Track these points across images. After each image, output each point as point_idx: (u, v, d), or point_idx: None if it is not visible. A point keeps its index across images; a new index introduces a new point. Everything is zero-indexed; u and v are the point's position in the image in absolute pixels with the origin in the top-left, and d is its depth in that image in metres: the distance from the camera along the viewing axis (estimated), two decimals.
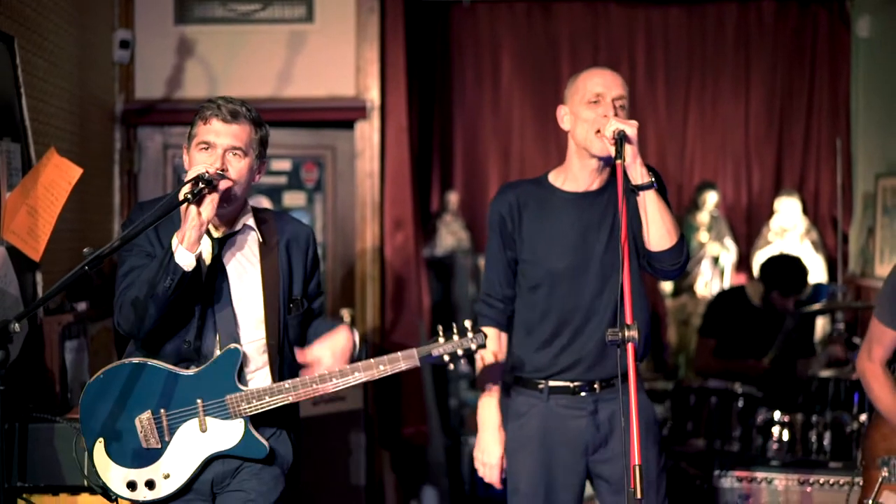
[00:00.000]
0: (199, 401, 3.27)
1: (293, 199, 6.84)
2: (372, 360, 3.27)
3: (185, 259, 3.13)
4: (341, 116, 6.78)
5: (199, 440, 3.28)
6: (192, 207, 3.08)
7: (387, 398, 6.73)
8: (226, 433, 3.27)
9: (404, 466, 6.87)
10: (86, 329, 5.12)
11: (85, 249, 2.96)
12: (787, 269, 6.33)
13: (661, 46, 9.23)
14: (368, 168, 6.77)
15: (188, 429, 3.28)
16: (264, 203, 6.47)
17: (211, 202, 3.13)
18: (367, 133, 6.76)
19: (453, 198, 8.86)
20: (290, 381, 3.27)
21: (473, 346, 3.31)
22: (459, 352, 3.30)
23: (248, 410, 3.25)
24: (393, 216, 6.84)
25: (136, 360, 3.33)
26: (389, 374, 3.28)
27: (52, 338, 4.72)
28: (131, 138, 6.67)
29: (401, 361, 3.28)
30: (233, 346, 3.27)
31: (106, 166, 6.37)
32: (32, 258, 4.53)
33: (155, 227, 3.27)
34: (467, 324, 3.32)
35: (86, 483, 3.92)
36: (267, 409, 3.27)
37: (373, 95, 6.73)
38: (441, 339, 3.31)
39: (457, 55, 9.10)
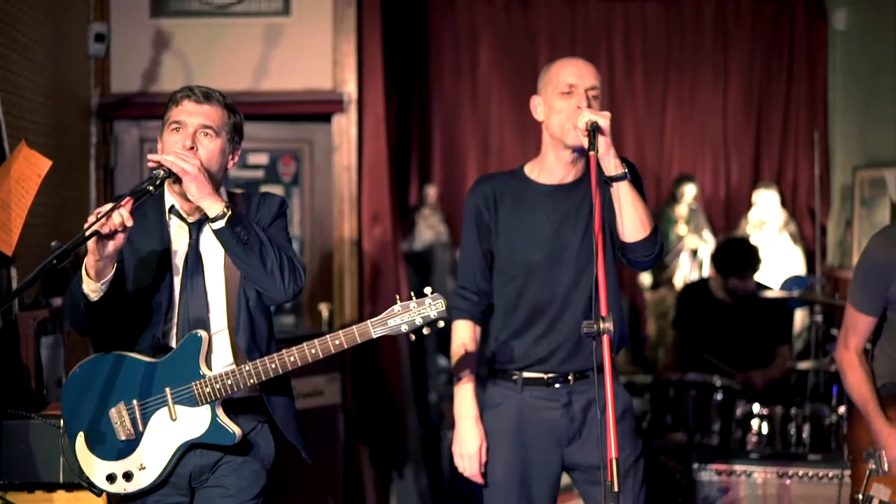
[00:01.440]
0: (167, 389, 3.25)
1: (272, 192, 6.80)
2: (328, 335, 3.21)
3: (88, 287, 3.11)
4: (318, 110, 6.75)
5: (170, 429, 3.26)
6: (92, 243, 3.01)
7: (365, 392, 6.71)
8: (194, 421, 3.25)
9: (383, 461, 6.85)
10: (61, 325, 5.07)
11: (53, 243, 2.93)
12: (735, 250, 6.40)
13: (638, 40, 9.23)
14: (346, 161, 6.75)
15: (159, 418, 3.26)
16: None
17: (114, 242, 3.04)
18: (345, 126, 6.74)
19: (432, 191, 8.85)
20: (250, 363, 3.23)
21: (433, 314, 3.16)
22: (418, 320, 3.16)
23: (212, 395, 3.22)
24: (370, 210, 6.82)
25: (110, 352, 3.31)
26: (346, 347, 3.18)
27: (28, 333, 4.68)
28: (107, 132, 6.63)
29: (355, 334, 3.18)
30: (195, 331, 3.25)
31: (82, 161, 6.33)
32: (5, 252, 4.49)
33: None
34: (427, 290, 3.19)
35: (62, 479, 3.90)
36: (232, 393, 3.24)
37: (350, 88, 6.71)
38: (398, 308, 3.18)
39: (435, 48, 9.09)
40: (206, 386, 3.22)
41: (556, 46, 8.99)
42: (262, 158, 6.81)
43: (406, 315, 3.17)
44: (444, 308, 3.17)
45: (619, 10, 9.18)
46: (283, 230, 3.44)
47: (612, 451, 2.91)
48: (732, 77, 9.20)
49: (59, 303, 5.04)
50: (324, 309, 6.40)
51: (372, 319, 3.19)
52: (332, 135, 6.76)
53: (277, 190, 6.80)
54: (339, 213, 6.73)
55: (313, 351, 3.20)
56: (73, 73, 6.16)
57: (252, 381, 3.22)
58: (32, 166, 4.39)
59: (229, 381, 3.22)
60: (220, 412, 3.25)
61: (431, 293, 3.19)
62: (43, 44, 5.48)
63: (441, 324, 3.20)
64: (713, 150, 9.24)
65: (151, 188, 3.11)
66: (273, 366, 3.22)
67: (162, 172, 3.13)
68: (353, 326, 3.19)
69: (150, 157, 3.16)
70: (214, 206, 3.15)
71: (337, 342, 3.19)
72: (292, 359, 3.21)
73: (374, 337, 3.18)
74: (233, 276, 3.33)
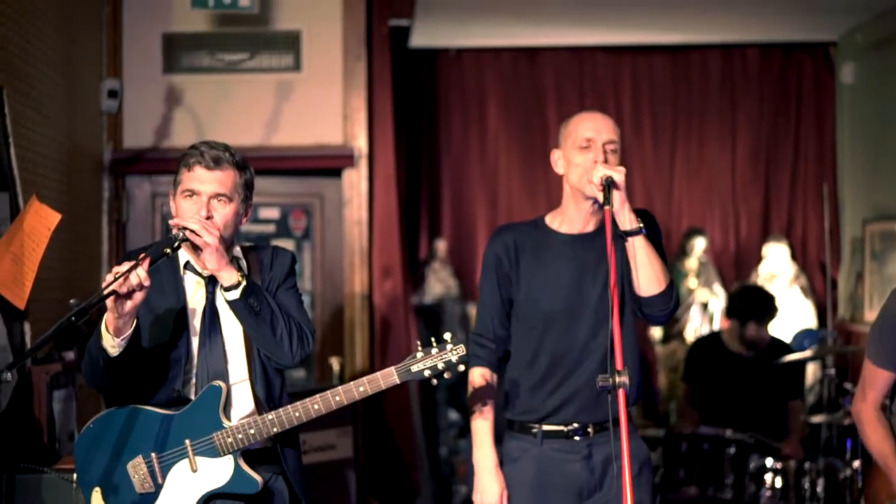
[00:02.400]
0: (186, 441, 3.24)
1: (283, 246, 6.82)
2: (351, 383, 3.23)
3: (108, 343, 3.13)
4: (329, 164, 6.79)
5: (191, 481, 3.25)
6: (111, 301, 3.03)
7: (376, 446, 6.69)
8: (216, 471, 3.24)
9: None
10: (74, 378, 5.08)
11: (71, 301, 2.95)
12: (753, 296, 6.38)
13: (646, 93, 9.29)
14: (356, 216, 6.77)
15: (179, 470, 3.25)
16: None
17: (133, 301, 3.07)
18: (355, 181, 6.77)
19: (441, 245, 8.86)
20: (273, 412, 3.23)
21: (454, 359, 3.22)
22: (440, 365, 3.22)
23: (234, 446, 3.22)
24: (381, 263, 6.84)
25: (125, 406, 3.30)
26: (370, 394, 3.21)
27: (41, 387, 4.68)
28: (119, 187, 6.67)
29: (380, 381, 3.21)
30: (215, 382, 3.25)
31: (94, 215, 6.36)
32: (18, 306, 4.50)
33: None
34: (446, 336, 3.24)
35: None
36: (254, 443, 3.23)
37: (360, 143, 6.75)
38: (420, 355, 3.24)
39: (443, 103, 9.15)
40: (229, 436, 3.22)
41: (563, 100, 9.05)
42: (274, 213, 6.83)
43: (428, 361, 3.22)
44: (464, 353, 3.23)
45: (627, 62, 9.24)
46: (294, 289, 3.48)
47: (629, 502, 2.90)
48: (740, 130, 9.24)
49: (71, 357, 5.05)
50: (335, 363, 6.39)
51: (395, 366, 3.23)
52: (343, 189, 6.79)
53: (289, 244, 6.82)
54: (349, 266, 6.75)
55: (337, 398, 3.21)
56: (86, 129, 6.20)
57: (275, 429, 3.22)
58: (42, 220, 4.41)
59: (252, 431, 3.22)
60: (241, 462, 3.24)
61: (451, 339, 3.23)
62: (57, 100, 5.53)
63: (462, 368, 3.26)
64: (722, 203, 9.26)
65: (169, 250, 3.13)
66: (297, 414, 3.22)
67: (181, 234, 3.15)
68: (377, 373, 3.23)
69: (172, 222, 3.20)
70: (230, 277, 3.21)
71: (361, 389, 3.21)
72: (316, 406, 3.22)
73: (398, 382, 3.21)
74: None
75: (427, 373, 3.23)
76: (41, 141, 5.22)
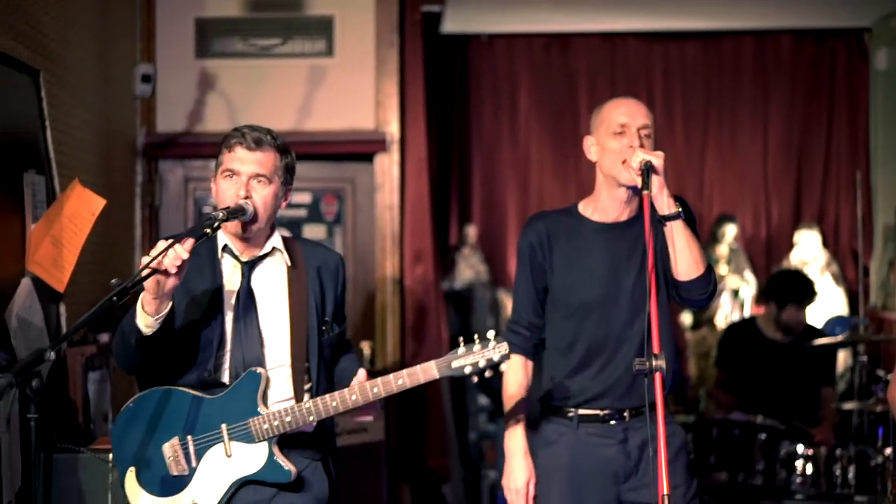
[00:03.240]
0: (223, 425, 3.26)
1: (313, 231, 6.85)
2: (390, 375, 3.22)
3: (143, 321, 3.13)
4: (361, 149, 6.81)
5: (225, 465, 3.26)
6: (150, 280, 3.04)
7: (408, 431, 6.72)
8: (250, 457, 3.25)
9: (424, 500, 6.84)
10: (108, 360, 5.12)
11: (112, 281, 2.96)
12: (793, 279, 6.36)
13: (678, 80, 9.26)
14: (388, 200, 6.79)
15: (214, 454, 3.27)
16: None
17: (172, 280, 3.06)
18: (387, 166, 6.79)
19: (472, 231, 8.87)
20: (310, 400, 3.24)
21: (496, 357, 3.17)
22: (482, 363, 3.16)
23: (270, 432, 3.23)
24: (412, 248, 6.86)
25: (164, 387, 3.32)
26: (408, 387, 3.20)
27: (76, 369, 4.73)
28: (153, 171, 6.71)
29: (419, 374, 3.19)
30: (254, 368, 3.26)
31: (128, 199, 6.40)
32: (57, 289, 4.54)
33: None
34: (489, 334, 3.20)
35: None
36: (290, 430, 3.24)
37: (392, 129, 6.76)
38: (461, 350, 3.19)
39: (475, 89, 9.14)
40: (265, 423, 3.22)
41: (595, 87, 9.03)
42: (305, 197, 6.85)
43: (470, 357, 3.17)
44: (507, 352, 3.18)
45: (659, 50, 9.21)
46: (344, 302, 3.54)
47: (664, 487, 2.91)
48: (773, 117, 9.20)
49: (106, 339, 5.09)
50: (366, 347, 6.41)
51: (436, 360, 3.19)
52: (375, 174, 6.81)
53: (320, 229, 6.84)
54: (381, 251, 6.77)
55: (375, 390, 3.20)
56: (120, 113, 6.24)
57: (311, 418, 3.22)
58: (86, 205, 4.44)
59: (288, 419, 3.22)
60: (276, 449, 3.25)
61: (495, 336, 3.20)
62: (92, 84, 5.56)
63: (504, 367, 3.26)
64: (753, 190, 9.22)
65: (209, 230, 3.14)
66: (334, 403, 3.21)
67: (220, 214, 3.17)
68: (417, 366, 3.20)
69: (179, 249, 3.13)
70: None
71: (400, 381, 3.19)
72: (353, 397, 3.21)
73: (437, 377, 3.19)
74: (299, 314, 3.35)
75: (468, 369, 3.19)
76: (76, 124, 5.25)
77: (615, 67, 9.21)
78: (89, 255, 4.98)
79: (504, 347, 3.18)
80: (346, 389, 3.21)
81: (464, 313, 8.22)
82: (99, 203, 4.48)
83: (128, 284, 2.97)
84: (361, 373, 3.30)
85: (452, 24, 8.28)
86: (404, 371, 3.21)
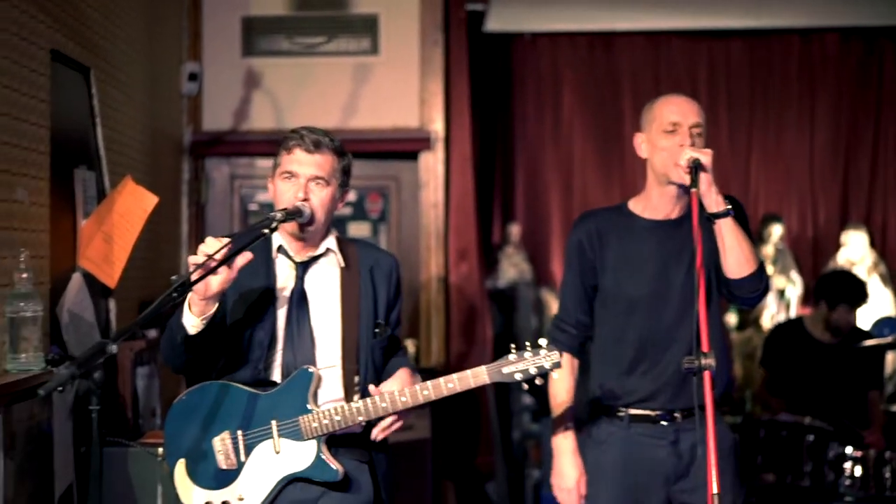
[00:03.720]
0: (273, 421, 3.27)
1: (358, 229, 6.88)
2: (441, 378, 3.23)
3: (189, 321, 3.14)
4: (405, 147, 6.82)
5: (273, 462, 3.27)
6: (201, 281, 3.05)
7: (452, 429, 6.71)
8: (299, 455, 3.26)
9: (468, 498, 6.84)
10: (156, 356, 5.16)
11: (173, 276, 2.99)
12: (846, 280, 6.31)
13: (723, 79, 9.20)
14: (432, 198, 6.80)
15: (263, 450, 3.28)
16: None
17: (220, 282, 3.07)
18: (432, 164, 6.80)
19: (515, 230, 8.85)
20: (360, 401, 3.25)
21: (548, 365, 3.17)
22: (533, 370, 3.17)
23: (319, 431, 3.24)
24: (457, 246, 6.86)
25: (217, 381, 3.34)
26: (458, 391, 3.21)
27: (125, 364, 4.76)
28: (199, 169, 6.75)
29: (470, 379, 3.20)
30: (307, 367, 3.27)
31: (174, 197, 6.44)
32: (108, 284, 4.58)
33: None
34: (542, 341, 3.21)
35: None
36: (339, 429, 3.25)
37: (437, 127, 6.77)
38: (513, 356, 3.20)
39: (518, 88, 9.12)
40: (314, 421, 3.23)
41: (639, 86, 8.99)
42: (350, 195, 6.85)
43: (521, 364, 3.19)
44: (558, 360, 3.18)
45: (703, 49, 9.16)
46: (399, 304, 3.53)
47: (714, 487, 2.89)
48: (819, 116, 9.12)
49: (154, 334, 5.13)
50: (410, 345, 6.42)
51: (487, 365, 3.21)
52: (419, 172, 6.82)
53: (364, 226, 6.87)
54: (425, 249, 6.78)
55: (426, 392, 3.21)
56: (167, 111, 6.29)
57: (361, 418, 3.23)
58: (138, 201, 4.48)
59: (338, 418, 3.22)
60: (324, 448, 3.25)
61: (546, 345, 3.20)
62: (140, 82, 5.61)
63: (555, 375, 3.27)
64: (800, 189, 9.15)
65: (266, 230, 3.15)
66: (384, 405, 3.22)
67: (278, 215, 3.18)
68: (468, 371, 3.21)
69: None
70: None
71: (450, 385, 3.21)
72: (403, 399, 3.22)
73: (488, 382, 3.20)
74: (350, 316, 3.36)
75: (518, 376, 3.19)
76: (126, 122, 5.30)
77: (659, 66, 9.16)
78: (136, 252, 5.01)
79: (555, 356, 3.19)
80: (397, 391, 3.22)
81: (507, 312, 8.21)
82: (151, 200, 4.51)
83: (188, 280, 2.98)
84: (401, 372, 3.32)
85: (496, 23, 8.28)
86: (455, 375, 3.22)
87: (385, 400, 3.22)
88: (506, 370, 3.19)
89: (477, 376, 3.20)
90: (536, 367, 3.18)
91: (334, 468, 3.25)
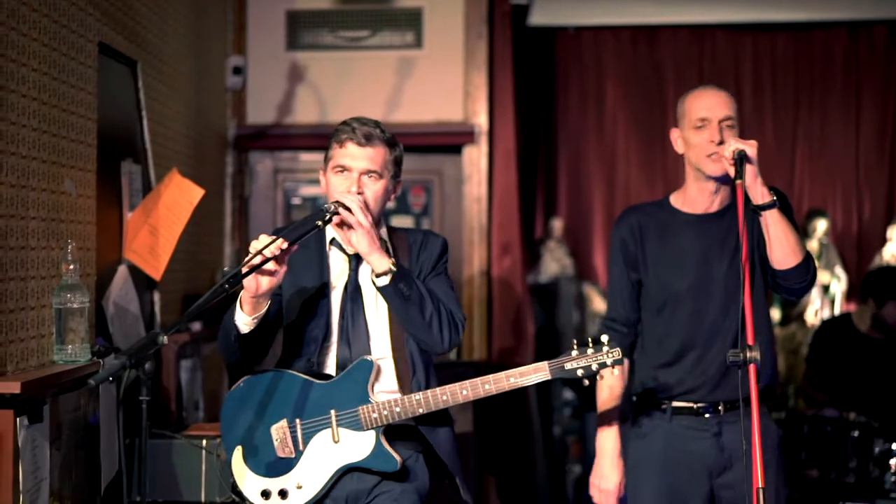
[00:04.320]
0: (332, 411, 3.28)
1: (400, 223, 6.87)
2: (502, 373, 3.23)
3: (241, 320, 3.18)
4: (449, 141, 6.83)
5: (331, 451, 3.28)
6: (250, 278, 3.07)
7: (494, 423, 6.71)
8: (357, 445, 3.27)
9: (509, 493, 6.84)
10: (199, 349, 5.20)
11: (224, 269, 3.01)
12: (894, 275, 6.26)
13: (768, 73, 9.12)
14: (476, 192, 6.79)
15: (321, 439, 3.29)
16: None
17: (271, 280, 3.11)
18: (475, 158, 6.79)
19: (557, 224, 8.82)
20: (420, 393, 3.26)
21: (609, 361, 3.21)
22: (594, 366, 3.20)
23: (378, 421, 3.25)
24: (500, 240, 6.85)
25: (275, 369, 3.36)
26: (519, 386, 3.22)
27: (169, 357, 4.80)
28: (243, 163, 6.79)
29: (531, 374, 3.21)
30: (366, 357, 3.28)
31: (218, 190, 6.48)
32: (153, 277, 4.61)
33: None
34: (603, 338, 3.23)
35: (204, 498, 3.98)
36: (397, 421, 3.26)
37: (481, 120, 6.77)
38: (574, 353, 3.22)
39: (562, 81, 9.09)
40: (374, 412, 3.24)
41: (682, 80, 8.93)
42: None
43: (583, 360, 3.21)
44: (619, 357, 3.22)
45: (748, 42, 9.09)
46: (445, 276, 3.46)
47: (759, 481, 2.88)
48: (865, 110, 9.02)
49: (198, 328, 5.16)
50: None
51: (548, 361, 3.22)
52: (463, 166, 6.82)
53: (407, 220, 6.88)
54: (468, 243, 6.77)
55: (487, 387, 3.22)
56: (212, 105, 6.32)
57: (421, 410, 3.23)
58: (184, 194, 4.51)
59: (398, 409, 3.23)
60: (383, 439, 3.26)
61: (608, 342, 3.23)
62: (186, 76, 5.64)
63: (615, 371, 3.26)
64: (845, 184, 9.06)
65: (320, 223, 3.16)
66: (444, 398, 3.23)
67: (332, 208, 3.18)
68: (529, 366, 3.23)
69: (338, 197, 3.22)
70: (381, 263, 3.20)
71: (512, 380, 3.22)
72: (465, 392, 3.23)
73: (549, 378, 3.21)
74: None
75: (580, 372, 3.22)
76: (171, 115, 5.33)
77: (703, 60, 9.09)
78: (180, 245, 5.06)
79: (617, 353, 3.22)
80: (457, 384, 3.23)
81: (549, 307, 8.19)
82: (198, 193, 4.54)
83: (238, 272, 3.00)
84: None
85: (539, 17, 8.25)
86: (516, 370, 3.22)
87: (446, 393, 3.23)
88: (568, 367, 3.22)
89: (538, 371, 3.22)
90: (598, 364, 3.22)
91: (394, 458, 3.26)
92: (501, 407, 6.77)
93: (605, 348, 3.22)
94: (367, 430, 3.25)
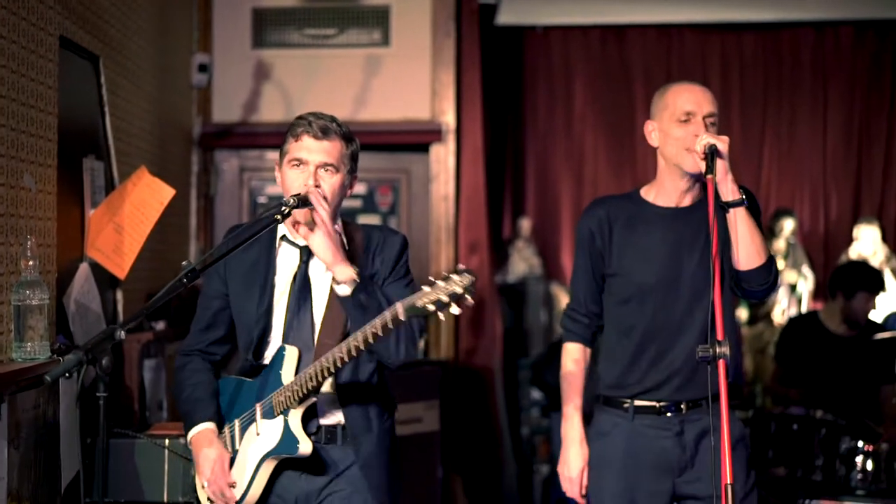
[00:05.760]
0: (256, 405, 3.25)
1: (367, 222, 6.84)
2: (366, 325, 3.02)
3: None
4: (416, 140, 6.79)
5: (256, 444, 3.24)
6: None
7: (461, 422, 6.68)
8: (271, 432, 3.21)
9: (477, 493, 6.81)
10: (163, 349, 5.13)
11: (184, 262, 2.96)
12: (862, 268, 6.30)
13: (735, 72, 9.15)
14: (443, 191, 6.76)
15: (249, 434, 3.26)
16: None
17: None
18: (442, 156, 6.76)
19: (525, 224, 8.81)
20: (313, 365, 3.12)
21: (459, 290, 2.85)
22: (444, 298, 2.86)
23: (283, 404, 3.17)
24: (468, 239, 6.83)
25: (231, 377, 3.37)
26: (381, 333, 2.97)
27: (132, 356, 4.75)
28: (208, 161, 6.73)
29: (386, 315, 2.96)
30: (283, 346, 3.24)
31: (183, 189, 6.41)
32: (117, 275, 4.56)
33: (225, 267, 3.32)
34: (460, 266, 2.93)
35: (166, 498, 3.94)
36: (301, 399, 3.15)
37: (448, 119, 6.74)
38: (426, 289, 2.91)
39: (529, 81, 9.09)
40: (281, 395, 3.19)
41: (650, 79, 8.94)
42: (360, 188, 6.83)
43: (433, 294, 2.89)
44: (470, 283, 2.88)
45: (716, 42, 9.12)
46: (404, 279, 3.34)
47: (727, 477, 2.86)
48: (832, 109, 9.07)
49: (162, 327, 5.10)
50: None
51: (401, 300, 2.95)
52: (430, 164, 6.79)
53: (374, 219, 6.84)
54: (435, 242, 6.74)
55: (354, 343, 3.03)
56: (177, 103, 6.26)
57: (311, 383, 3.10)
58: (154, 193, 4.46)
59: (296, 387, 3.14)
60: (291, 421, 3.18)
61: (462, 270, 2.92)
62: (150, 72, 5.58)
63: (469, 300, 2.91)
64: (812, 184, 9.10)
65: (279, 217, 3.11)
66: (325, 363, 3.09)
67: (292, 201, 3.13)
68: (385, 311, 2.98)
69: (309, 189, 3.16)
70: (344, 272, 3.13)
71: (371, 330, 2.99)
72: (339, 355, 3.06)
73: (402, 319, 2.94)
74: (336, 303, 3.29)
75: (431, 307, 2.88)
76: (135, 112, 5.27)
77: (671, 59, 9.12)
78: (145, 244, 5.00)
79: (467, 278, 2.87)
80: (335, 348, 3.08)
81: (517, 307, 8.18)
82: (168, 193, 4.49)
83: (197, 266, 2.96)
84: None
85: (507, 16, 8.25)
86: (376, 318, 2.99)
87: (328, 358, 3.08)
88: (419, 303, 2.90)
89: (393, 314, 2.94)
90: (447, 295, 2.87)
91: (296, 442, 3.17)
92: (468, 406, 6.75)
93: (455, 277, 2.88)
94: (277, 416, 3.20)
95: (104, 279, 4.64)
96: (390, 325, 2.97)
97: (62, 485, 3.95)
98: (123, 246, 4.44)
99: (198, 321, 3.43)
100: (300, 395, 3.15)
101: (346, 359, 3.07)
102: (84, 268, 4.44)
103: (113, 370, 4.40)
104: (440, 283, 2.89)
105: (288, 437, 3.18)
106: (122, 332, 2.75)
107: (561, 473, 3.72)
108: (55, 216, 4.08)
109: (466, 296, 2.88)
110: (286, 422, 3.19)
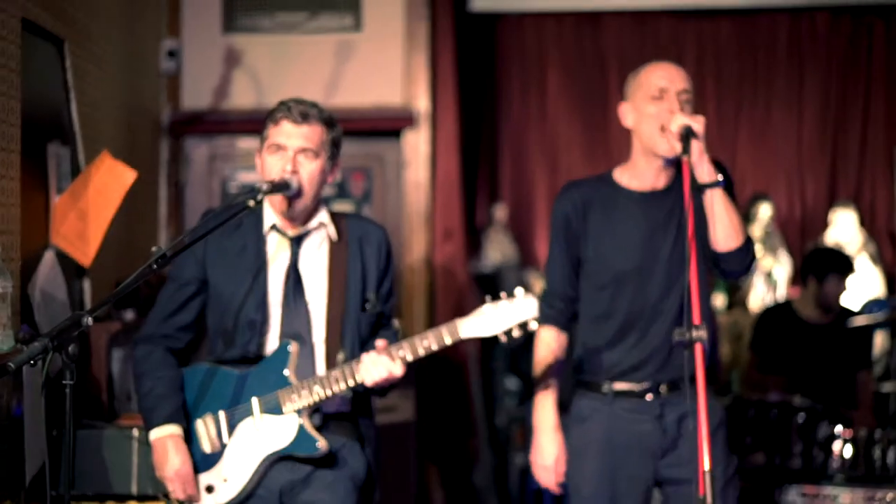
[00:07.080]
0: (253, 399, 3.18)
1: (340, 209, 6.74)
2: (415, 337, 3.08)
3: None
4: (389, 126, 6.72)
5: (255, 440, 3.19)
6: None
7: (436, 412, 6.63)
8: (280, 431, 3.17)
9: (452, 483, 6.76)
10: (132, 339, 5.04)
11: (154, 248, 2.90)
12: (831, 252, 6.32)
13: (711, 59, 9.13)
14: (416, 178, 6.70)
15: (244, 429, 3.20)
16: None
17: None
18: (415, 142, 6.70)
19: (500, 211, 8.76)
20: (337, 369, 3.14)
21: (526, 316, 2.99)
22: (510, 322, 3.00)
23: (299, 404, 3.14)
24: (442, 226, 6.77)
25: (202, 364, 3.30)
26: (434, 350, 3.05)
27: (100, 346, 4.66)
28: (178, 149, 6.64)
29: (443, 334, 3.04)
30: (286, 340, 3.19)
31: (152, 177, 6.32)
32: (82, 263, 4.47)
33: (204, 252, 3.27)
34: (518, 291, 3.04)
35: (135, 490, 3.87)
36: (320, 400, 3.15)
37: (421, 104, 6.67)
38: (488, 309, 3.03)
39: (504, 67, 9.04)
40: (293, 392, 3.14)
41: (625, 66, 8.86)
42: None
43: (497, 315, 3.03)
44: (536, 309, 3.02)
45: (691, 28, 9.09)
46: (390, 311, 3.42)
47: (706, 464, 2.81)
48: (807, 95, 9.07)
49: (131, 316, 5.02)
50: (395, 324, 6.32)
51: (460, 318, 3.05)
52: (403, 151, 6.72)
53: (347, 206, 6.76)
54: (409, 229, 6.68)
55: (401, 353, 3.11)
56: (145, 89, 6.17)
57: (342, 385, 3.12)
58: (116, 177, 4.37)
59: (317, 387, 3.13)
60: (306, 422, 3.16)
61: (525, 294, 3.04)
62: (117, 58, 5.49)
63: (534, 326, 3.06)
64: (788, 169, 9.10)
65: (252, 202, 3.05)
66: (358, 375, 3.12)
67: (265, 187, 3.08)
68: (442, 326, 3.07)
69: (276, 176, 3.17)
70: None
71: (426, 343, 3.08)
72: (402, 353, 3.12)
73: (462, 338, 3.05)
74: (337, 290, 3.25)
75: (496, 329, 3.06)
76: (102, 98, 5.17)
77: (646, 46, 9.07)
78: (112, 232, 4.91)
79: (533, 304, 3.02)
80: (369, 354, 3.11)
81: (491, 294, 8.12)
82: (130, 176, 4.41)
83: (167, 252, 2.90)
84: (379, 342, 3.19)
85: (482, 2, 8.20)
86: (429, 332, 3.09)
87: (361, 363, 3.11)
88: (482, 323, 3.03)
89: (451, 331, 3.05)
90: (514, 319, 3.01)
91: (315, 442, 3.16)
92: (444, 395, 6.69)
93: (519, 301, 3.00)
94: (288, 414, 3.15)
95: (71, 268, 4.56)
96: (447, 343, 3.04)
97: (27, 478, 3.87)
98: (88, 233, 4.35)
99: (163, 307, 3.37)
100: (320, 396, 3.14)
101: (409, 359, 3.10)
102: (49, 256, 4.35)
103: (80, 360, 4.34)
104: (503, 303, 3.01)
105: (304, 436, 3.16)
106: (90, 319, 2.67)
107: (534, 462, 3.66)
108: (19, 203, 3.99)
109: (532, 322, 3.02)
110: (301, 421, 3.16)
